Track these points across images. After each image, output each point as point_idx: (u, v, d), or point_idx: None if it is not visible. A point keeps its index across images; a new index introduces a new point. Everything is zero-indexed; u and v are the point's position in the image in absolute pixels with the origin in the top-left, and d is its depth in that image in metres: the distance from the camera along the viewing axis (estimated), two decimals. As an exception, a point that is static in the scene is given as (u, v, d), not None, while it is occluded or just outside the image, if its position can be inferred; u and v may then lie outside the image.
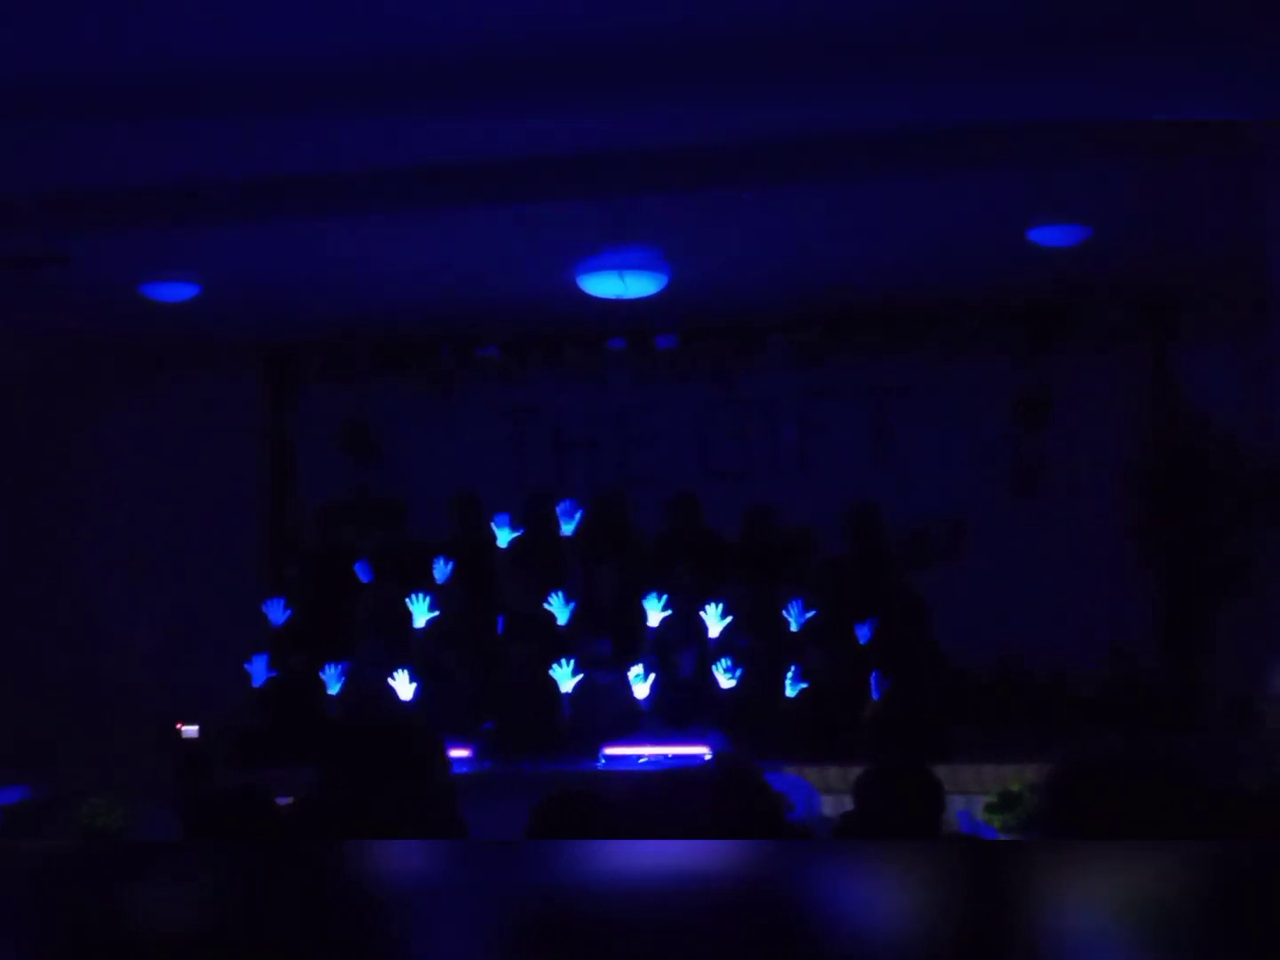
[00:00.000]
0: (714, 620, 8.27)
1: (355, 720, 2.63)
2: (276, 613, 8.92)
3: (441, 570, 8.81)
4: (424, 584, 8.82)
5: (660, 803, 2.37)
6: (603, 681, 8.28)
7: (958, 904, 1.87)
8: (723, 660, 8.03)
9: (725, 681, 8.02)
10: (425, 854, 1.87)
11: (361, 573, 9.05)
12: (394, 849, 1.94)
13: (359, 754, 2.70)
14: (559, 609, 8.41)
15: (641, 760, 7.77)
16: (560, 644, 8.31)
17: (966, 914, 1.87)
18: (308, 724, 8.27)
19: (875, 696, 7.99)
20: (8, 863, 2.08)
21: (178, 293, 8.19)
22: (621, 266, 7.93)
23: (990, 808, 7.51)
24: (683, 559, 8.82)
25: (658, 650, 8.40)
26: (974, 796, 7.58)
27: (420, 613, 8.48)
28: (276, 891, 1.90)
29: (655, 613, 8.36)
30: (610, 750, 7.98)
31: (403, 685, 8.16)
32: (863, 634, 8.29)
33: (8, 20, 4.70)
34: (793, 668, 7.98)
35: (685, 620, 8.49)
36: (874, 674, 8.04)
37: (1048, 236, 7.62)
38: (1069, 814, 2.69)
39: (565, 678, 8.07)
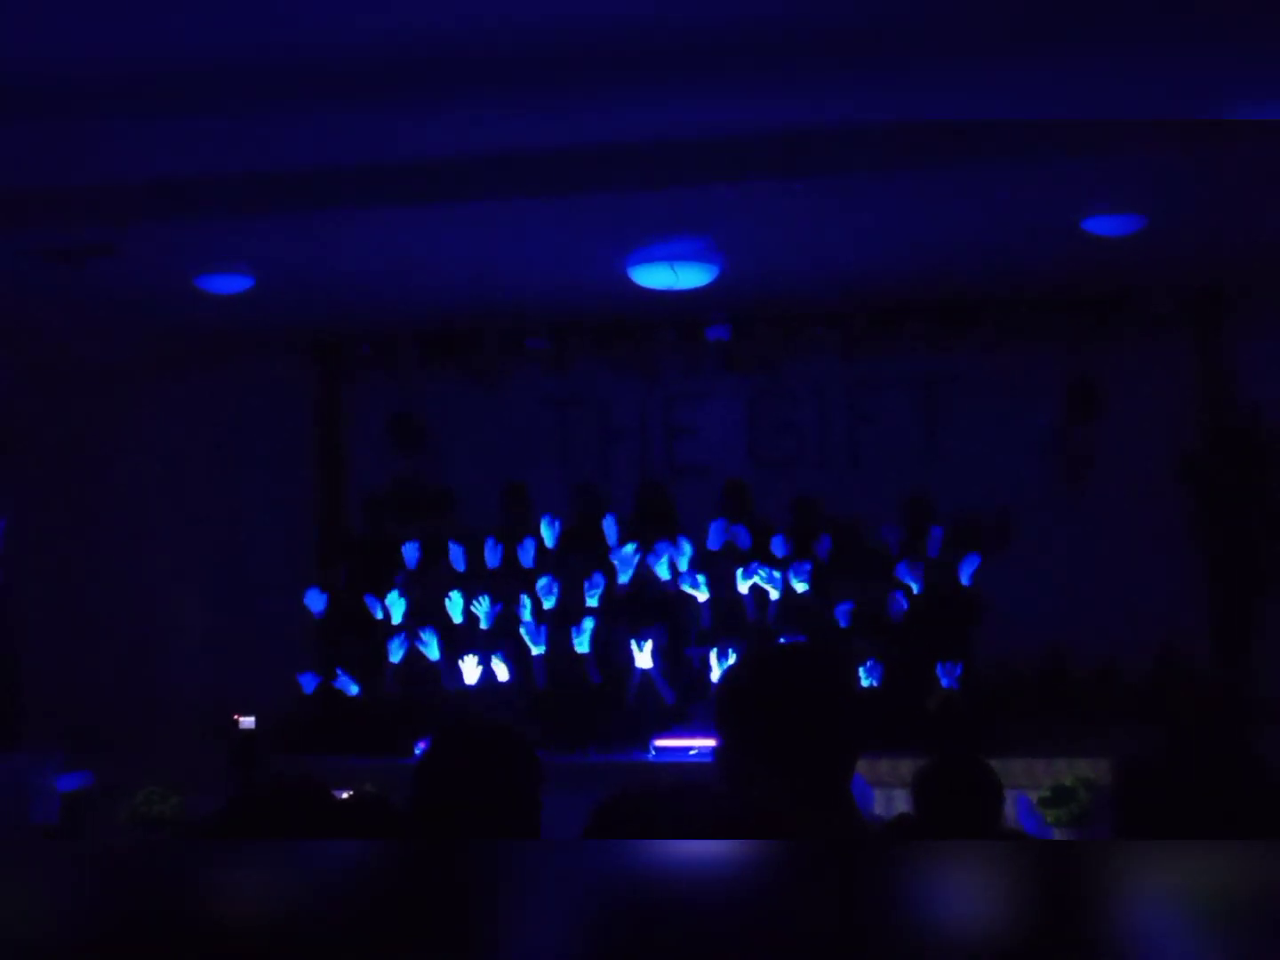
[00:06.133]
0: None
1: (451, 728, 2.70)
2: (316, 603, 9.03)
3: (493, 554, 8.96)
4: (471, 573, 8.95)
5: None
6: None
7: (1028, 906, 1.85)
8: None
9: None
10: (502, 854, 1.86)
11: (409, 556, 9.17)
12: (472, 848, 1.93)
13: (456, 765, 2.74)
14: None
15: (692, 753, 7.77)
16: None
17: (1035, 916, 1.86)
18: (356, 712, 8.45)
19: (945, 685, 8.05)
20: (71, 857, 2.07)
21: (232, 285, 8.24)
22: (672, 257, 7.92)
23: (1044, 802, 7.48)
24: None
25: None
26: (1025, 791, 7.53)
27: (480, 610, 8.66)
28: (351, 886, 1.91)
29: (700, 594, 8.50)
30: (661, 742, 8.00)
31: (469, 669, 8.36)
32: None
33: (61, 11, 4.73)
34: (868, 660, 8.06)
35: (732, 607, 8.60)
36: (939, 665, 8.07)
37: (1103, 226, 7.56)
38: (1139, 811, 2.67)
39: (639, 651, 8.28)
